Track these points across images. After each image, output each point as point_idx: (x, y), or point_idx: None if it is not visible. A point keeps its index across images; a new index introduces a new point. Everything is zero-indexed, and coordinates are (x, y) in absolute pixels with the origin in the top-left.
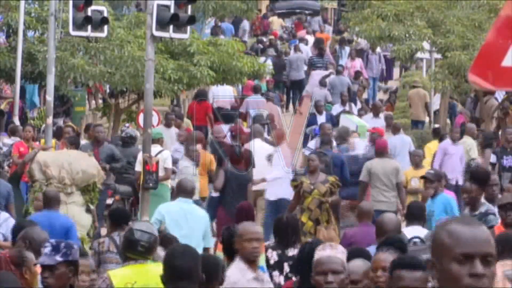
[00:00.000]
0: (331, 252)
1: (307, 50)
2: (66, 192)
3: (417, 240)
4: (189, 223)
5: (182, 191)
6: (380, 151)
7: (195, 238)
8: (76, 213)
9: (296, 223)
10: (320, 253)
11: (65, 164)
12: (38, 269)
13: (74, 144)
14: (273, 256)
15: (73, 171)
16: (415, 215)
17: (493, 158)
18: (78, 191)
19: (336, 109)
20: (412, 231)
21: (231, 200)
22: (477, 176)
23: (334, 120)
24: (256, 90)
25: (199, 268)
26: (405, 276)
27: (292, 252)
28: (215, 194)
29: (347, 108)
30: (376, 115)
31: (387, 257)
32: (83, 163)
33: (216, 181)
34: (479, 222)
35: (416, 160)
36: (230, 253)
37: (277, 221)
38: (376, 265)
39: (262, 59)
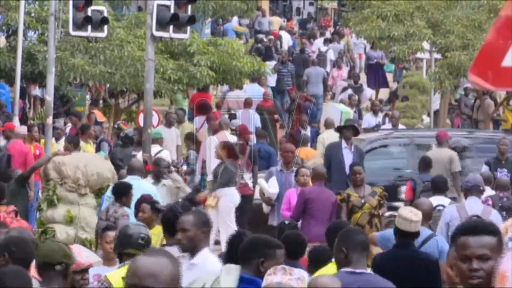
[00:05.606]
0: (282, 278)
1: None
2: (80, 193)
3: (441, 207)
4: (137, 197)
5: (131, 169)
6: (440, 140)
7: None
8: (87, 215)
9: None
10: (270, 278)
11: (80, 165)
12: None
13: (73, 143)
14: None
15: (89, 173)
16: (440, 187)
17: (485, 169)
18: (91, 194)
19: (368, 119)
20: (438, 200)
21: None
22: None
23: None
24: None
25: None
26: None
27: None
28: None
29: (379, 118)
30: (375, 113)
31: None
32: (99, 165)
33: None
34: None
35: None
36: (171, 232)
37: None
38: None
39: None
